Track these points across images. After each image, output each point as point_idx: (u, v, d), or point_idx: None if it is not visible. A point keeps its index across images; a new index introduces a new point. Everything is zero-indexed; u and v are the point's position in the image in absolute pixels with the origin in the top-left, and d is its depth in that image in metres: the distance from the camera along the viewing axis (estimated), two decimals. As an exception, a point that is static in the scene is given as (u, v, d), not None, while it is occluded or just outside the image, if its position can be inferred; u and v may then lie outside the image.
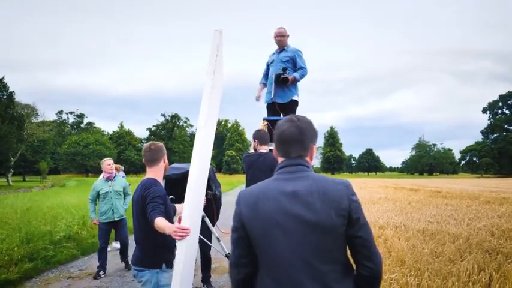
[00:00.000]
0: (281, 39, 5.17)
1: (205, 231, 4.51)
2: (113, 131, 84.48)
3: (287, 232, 1.52)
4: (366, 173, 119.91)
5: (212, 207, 4.67)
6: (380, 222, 7.83)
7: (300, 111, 5.43)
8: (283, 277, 1.53)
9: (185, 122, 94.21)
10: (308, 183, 1.56)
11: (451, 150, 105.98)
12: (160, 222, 2.67)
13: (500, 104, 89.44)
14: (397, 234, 6.45)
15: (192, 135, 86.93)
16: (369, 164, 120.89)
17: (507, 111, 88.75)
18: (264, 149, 4.38)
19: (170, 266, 2.89)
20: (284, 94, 5.18)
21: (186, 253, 2.63)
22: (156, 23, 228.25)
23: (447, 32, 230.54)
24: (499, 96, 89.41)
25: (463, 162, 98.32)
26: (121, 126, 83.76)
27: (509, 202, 12.60)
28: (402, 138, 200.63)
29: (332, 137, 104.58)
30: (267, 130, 5.00)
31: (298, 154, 1.64)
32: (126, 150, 78.61)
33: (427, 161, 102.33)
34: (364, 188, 22.03)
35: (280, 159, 1.69)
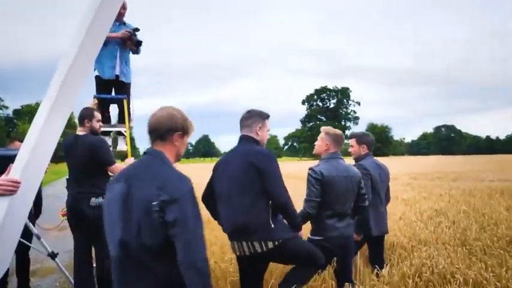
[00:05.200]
0: (123, 12, 4.73)
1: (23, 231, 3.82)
2: None
3: None
4: (202, 158, 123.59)
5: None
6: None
7: (138, 94, 5.04)
8: None
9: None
10: None
11: (276, 136, 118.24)
12: None
13: (315, 97, 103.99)
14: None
15: (8, 119, 71.60)
16: (205, 149, 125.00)
17: (320, 103, 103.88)
18: (81, 131, 3.78)
19: None
20: (127, 73, 4.84)
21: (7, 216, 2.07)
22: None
23: (283, 30, 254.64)
24: (314, 90, 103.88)
25: (286, 147, 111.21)
26: None
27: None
28: (237, 125, 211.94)
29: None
30: (96, 108, 4.42)
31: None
32: None
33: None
34: (199, 171, 22.52)
35: None
